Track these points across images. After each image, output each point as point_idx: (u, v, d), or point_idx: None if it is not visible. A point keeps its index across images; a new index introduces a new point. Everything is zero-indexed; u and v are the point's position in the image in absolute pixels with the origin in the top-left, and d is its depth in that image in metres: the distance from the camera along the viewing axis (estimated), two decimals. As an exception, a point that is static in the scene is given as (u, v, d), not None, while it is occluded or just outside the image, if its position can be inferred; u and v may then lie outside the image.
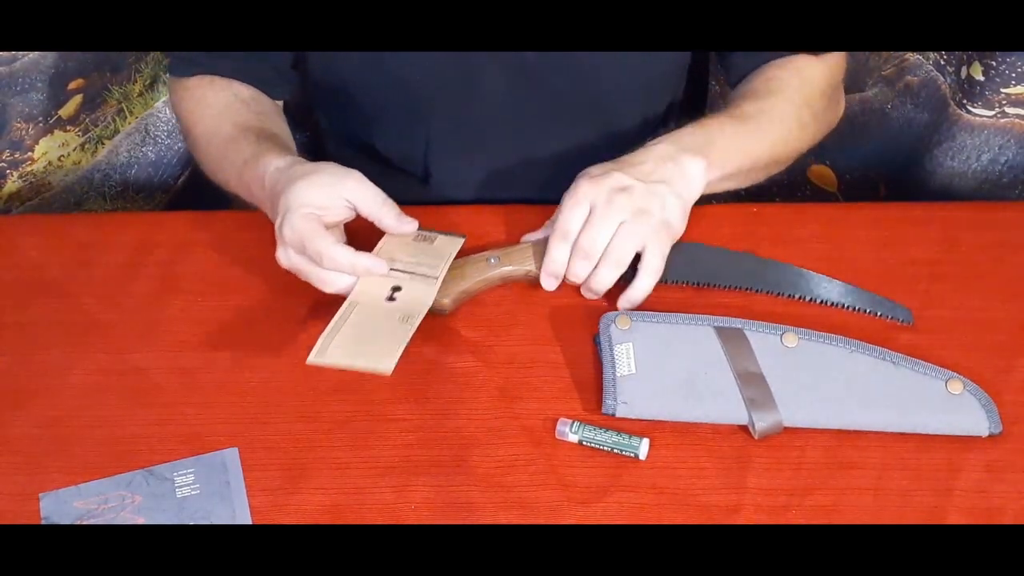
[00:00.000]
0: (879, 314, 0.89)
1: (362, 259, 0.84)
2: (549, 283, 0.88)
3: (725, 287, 0.91)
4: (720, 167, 0.90)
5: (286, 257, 0.84)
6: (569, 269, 0.87)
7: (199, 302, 0.92)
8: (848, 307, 0.89)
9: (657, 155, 0.88)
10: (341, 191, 0.84)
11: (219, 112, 0.99)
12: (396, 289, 0.85)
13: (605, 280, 0.86)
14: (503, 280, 0.91)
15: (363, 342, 0.80)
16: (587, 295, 0.89)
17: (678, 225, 0.88)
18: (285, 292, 0.91)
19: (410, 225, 0.87)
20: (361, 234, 0.88)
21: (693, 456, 0.80)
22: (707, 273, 0.91)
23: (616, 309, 0.87)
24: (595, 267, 0.86)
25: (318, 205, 0.83)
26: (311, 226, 0.82)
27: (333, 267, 0.83)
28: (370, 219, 0.86)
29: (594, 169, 0.87)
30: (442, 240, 0.90)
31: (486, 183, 1.06)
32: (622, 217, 0.84)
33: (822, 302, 0.90)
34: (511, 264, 0.90)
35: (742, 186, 0.97)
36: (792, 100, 0.97)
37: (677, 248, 0.90)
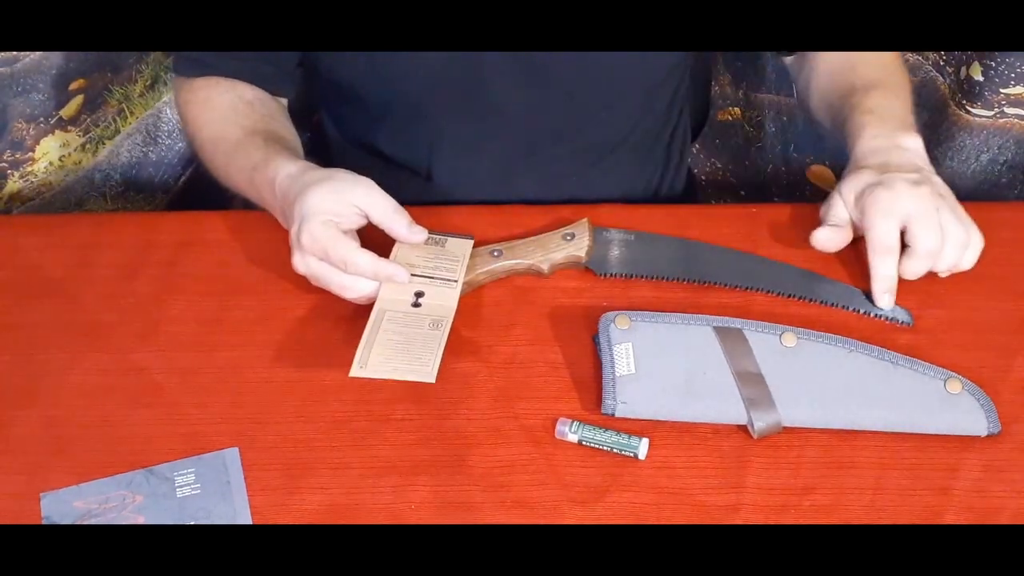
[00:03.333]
0: (879, 315, 0.89)
1: (385, 265, 0.85)
2: (886, 301, 0.88)
3: (725, 285, 0.91)
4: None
5: (304, 264, 0.85)
6: (908, 271, 0.88)
7: (199, 302, 0.92)
8: (848, 308, 0.89)
9: (904, 152, 0.91)
10: (352, 198, 0.85)
11: (224, 116, 0.99)
12: (419, 295, 0.86)
13: (951, 259, 0.88)
14: (507, 273, 0.92)
15: (401, 351, 0.82)
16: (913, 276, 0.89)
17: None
18: (285, 292, 0.92)
19: (420, 235, 0.88)
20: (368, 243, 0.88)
21: (692, 456, 0.80)
22: (707, 272, 0.91)
23: (614, 309, 0.87)
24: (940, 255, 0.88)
25: (333, 212, 0.84)
26: (332, 232, 0.83)
27: (356, 272, 0.84)
28: (381, 227, 0.87)
29: (906, 174, 0.89)
30: (452, 242, 0.91)
31: (489, 182, 1.06)
32: (935, 210, 0.87)
33: (822, 302, 0.90)
34: (515, 258, 0.91)
35: None
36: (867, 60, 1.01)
37: (677, 246, 0.90)
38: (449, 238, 0.91)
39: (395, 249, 0.89)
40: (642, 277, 0.91)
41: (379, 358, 0.82)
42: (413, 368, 0.81)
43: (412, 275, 0.87)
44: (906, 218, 0.86)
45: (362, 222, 0.87)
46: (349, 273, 0.84)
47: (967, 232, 0.88)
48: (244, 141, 0.96)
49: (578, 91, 1.01)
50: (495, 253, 0.91)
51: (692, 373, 0.82)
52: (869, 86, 0.98)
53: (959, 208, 0.89)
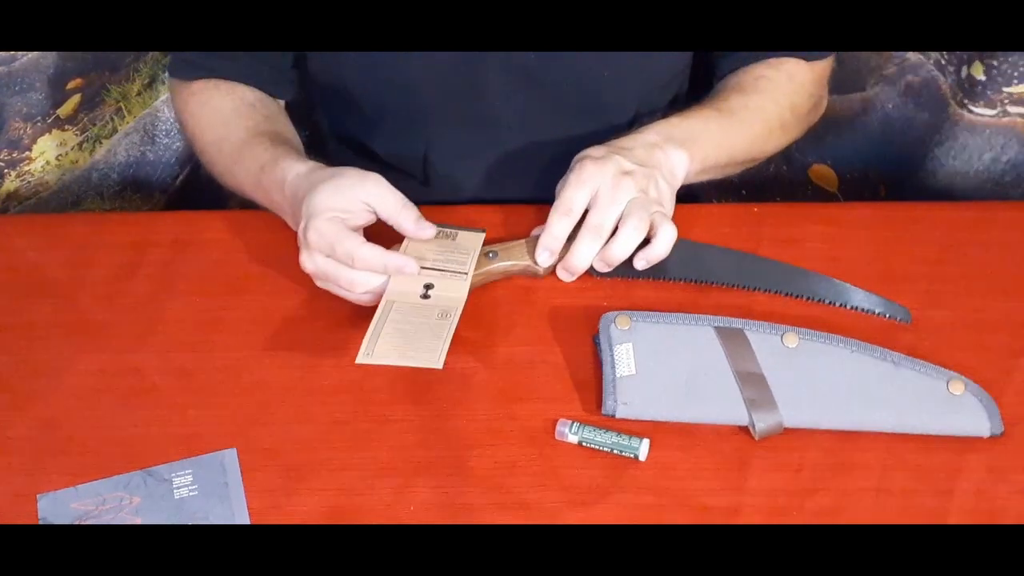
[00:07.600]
0: (878, 313, 0.89)
1: (393, 257, 0.84)
2: (544, 257, 0.89)
3: (725, 285, 0.90)
4: (701, 161, 0.92)
5: (311, 262, 0.84)
6: (576, 249, 0.87)
7: (197, 302, 0.92)
8: (847, 306, 0.89)
9: (645, 142, 0.90)
10: (361, 195, 0.85)
11: (227, 118, 0.99)
12: (428, 287, 0.86)
13: (623, 250, 0.86)
14: (503, 274, 0.91)
15: (408, 339, 0.81)
16: (565, 276, 0.90)
17: (669, 207, 0.89)
18: (285, 292, 0.91)
19: (428, 230, 0.87)
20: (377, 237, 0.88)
21: (693, 457, 0.80)
22: (708, 271, 0.91)
23: (614, 309, 0.87)
24: (612, 237, 0.86)
25: (341, 209, 0.84)
26: (337, 228, 0.83)
27: (364, 267, 0.84)
28: (389, 223, 0.87)
29: (594, 151, 0.88)
30: (463, 235, 0.91)
31: (486, 183, 1.06)
32: (629, 196, 0.86)
33: (820, 300, 0.90)
34: (510, 259, 0.91)
35: (716, 178, 0.99)
36: (778, 102, 0.99)
37: (678, 246, 0.90)
38: (460, 231, 0.91)
39: (405, 243, 0.89)
40: (640, 278, 0.91)
41: (386, 346, 0.81)
42: (421, 355, 0.80)
43: (422, 268, 0.86)
44: (596, 191, 0.86)
45: (371, 218, 0.86)
46: (356, 268, 0.84)
47: (645, 224, 0.86)
48: (250, 142, 0.95)
49: (576, 97, 1.01)
50: (490, 255, 0.90)
51: (693, 374, 0.82)
52: (725, 94, 0.98)
53: (663, 203, 0.88)
